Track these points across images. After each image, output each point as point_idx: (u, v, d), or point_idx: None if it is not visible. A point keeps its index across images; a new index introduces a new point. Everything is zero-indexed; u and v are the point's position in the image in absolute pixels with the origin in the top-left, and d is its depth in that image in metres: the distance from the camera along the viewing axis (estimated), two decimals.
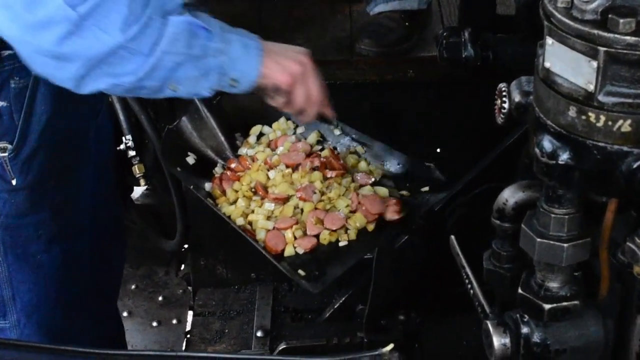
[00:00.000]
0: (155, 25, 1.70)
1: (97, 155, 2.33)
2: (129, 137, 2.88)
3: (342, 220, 2.22)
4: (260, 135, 2.44)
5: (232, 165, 2.34)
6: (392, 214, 2.25)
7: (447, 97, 2.86)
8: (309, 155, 2.36)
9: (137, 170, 2.96)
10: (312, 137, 2.43)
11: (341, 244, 2.21)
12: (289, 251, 2.19)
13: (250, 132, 2.45)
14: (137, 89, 1.78)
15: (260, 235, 2.20)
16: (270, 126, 2.47)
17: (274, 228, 2.21)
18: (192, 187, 2.29)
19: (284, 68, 1.88)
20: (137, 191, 3.32)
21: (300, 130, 2.46)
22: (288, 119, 2.46)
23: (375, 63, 2.85)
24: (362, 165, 2.37)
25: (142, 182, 3.00)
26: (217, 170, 2.36)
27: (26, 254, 2.26)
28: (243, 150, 2.39)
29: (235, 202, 2.27)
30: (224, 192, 2.30)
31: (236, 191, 2.29)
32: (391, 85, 2.87)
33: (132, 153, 2.92)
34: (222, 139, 2.37)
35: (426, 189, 2.32)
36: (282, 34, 2.92)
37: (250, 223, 2.23)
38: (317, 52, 2.87)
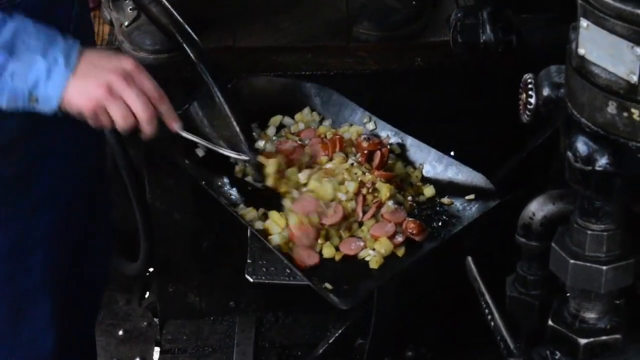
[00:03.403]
0: None
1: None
2: None
3: (360, 246, 2.27)
4: (281, 127, 2.51)
5: None
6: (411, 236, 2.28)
7: (461, 90, 2.86)
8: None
9: None
10: (347, 131, 2.49)
11: (367, 258, 2.25)
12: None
13: (269, 123, 2.51)
14: None
15: (275, 240, 2.25)
16: (292, 117, 2.53)
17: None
18: (203, 183, 2.35)
19: (88, 93, 2.04)
20: None
21: (327, 123, 2.52)
22: (313, 110, 2.53)
23: (377, 50, 2.85)
24: (399, 167, 2.41)
25: None
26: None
27: None
28: (260, 144, 2.45)
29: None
30: None
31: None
32: (395, 76, 2.86)
33: None
34: (237, 129, 2.40)
35: (471, 197, 2.33)
36: (266, 16, 2.91)
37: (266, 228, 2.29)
38: (307, 36, 2.90)
